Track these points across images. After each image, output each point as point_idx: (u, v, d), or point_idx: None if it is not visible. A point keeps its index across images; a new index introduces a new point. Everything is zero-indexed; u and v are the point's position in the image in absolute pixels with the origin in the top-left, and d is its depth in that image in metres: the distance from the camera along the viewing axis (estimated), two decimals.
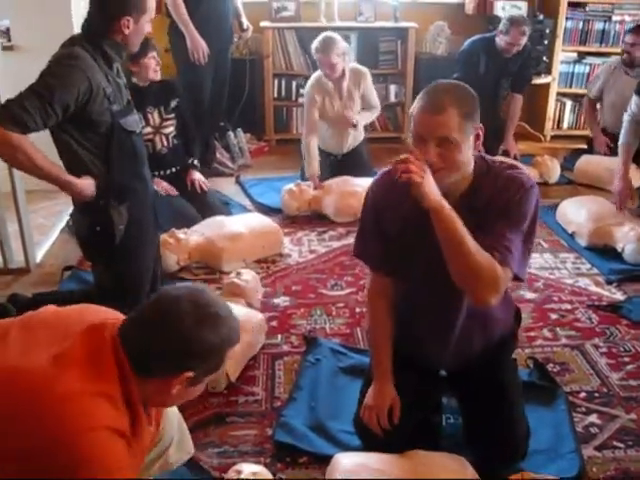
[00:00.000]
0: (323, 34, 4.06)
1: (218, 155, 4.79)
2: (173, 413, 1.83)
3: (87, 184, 2.42)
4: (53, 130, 2.34)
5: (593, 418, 2.31)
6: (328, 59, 3.97)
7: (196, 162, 3.88)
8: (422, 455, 1.92)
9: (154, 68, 3.60)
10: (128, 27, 2.39)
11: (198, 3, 4.28)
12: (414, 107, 1.78)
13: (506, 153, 4.68)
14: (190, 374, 1.42)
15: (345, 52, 4.07)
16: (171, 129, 3.78)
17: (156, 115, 3.72)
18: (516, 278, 1.86)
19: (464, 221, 1.73)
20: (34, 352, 1.39)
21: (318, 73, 4.15)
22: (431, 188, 1.68)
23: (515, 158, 4.63)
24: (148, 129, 3.68)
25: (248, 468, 1.89)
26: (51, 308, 1.57)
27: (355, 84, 4.17)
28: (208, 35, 4.31)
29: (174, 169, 3.84)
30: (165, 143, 3.77)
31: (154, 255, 2.74)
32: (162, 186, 3.71)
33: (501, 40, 4.44)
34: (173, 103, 3.77)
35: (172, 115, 3.77)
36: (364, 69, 4.25)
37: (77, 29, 3.96)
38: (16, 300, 2.83)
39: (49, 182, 2.36)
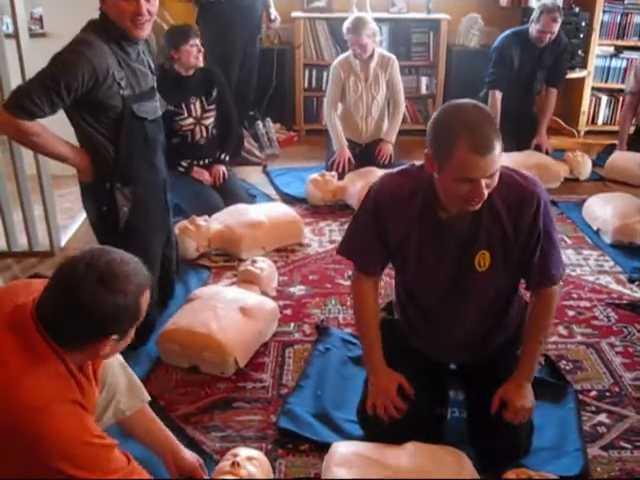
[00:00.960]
0: (354, 15, 4.14)
1: (246, 144, 4.81)
2: (115, 361, 1.87)
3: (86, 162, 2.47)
4: (67, 112, 2.38)
5: (602, 417, 2.27)
6: (359, 38, 4.02)
7: (225, 157, 3.90)
8: (420, 447, 1.92)
9: (195, 55, 3.62)
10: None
11: None
12: (454, 144, 1.65)
13: (538, 147, 4.62)
14: (114, 337, 1.47)
15: (375, 33, 4.10)
16: (211, 120, 3.82)
17: (198, 105, 3.75)
18: None
19: (485, 228, 1.82)
20: None
21: (347, 52, 4.21)
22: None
23: (547, 153, 4.57)
24: (190, 120, 3.74)
25: (244, 452, 1.91)
26: None
27: (382, 68, 4.20)
28: (236, 25, 4.34)
29: (207, 160, 3.87)
30: (204, 134, 3.81)
31: (162, 241, 2.76)
32: (204, 177, 3.77)
33: (533, 29, 4.38)
34: (214, 93, 3.81)
35: (213, 106, 3.81)
36: (392, 56, 4.26)
37: None
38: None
39: (60, 161, 2.46)
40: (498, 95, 4.52)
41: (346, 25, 4.09)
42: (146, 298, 1.52)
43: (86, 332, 1.44)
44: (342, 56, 4.26)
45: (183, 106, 3.70)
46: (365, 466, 1.86)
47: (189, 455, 1.90)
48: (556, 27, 4.35)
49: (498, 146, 1.66)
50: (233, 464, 1.85)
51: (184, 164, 3.75)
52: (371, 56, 4.13)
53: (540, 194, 1.84)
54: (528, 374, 2.01)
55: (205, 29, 4.37)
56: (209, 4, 4.34)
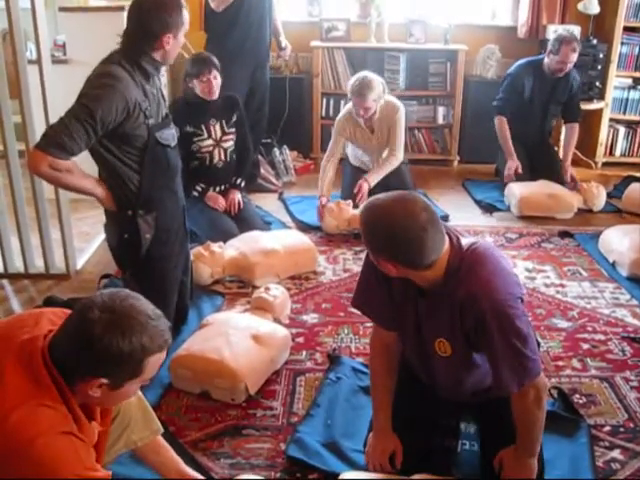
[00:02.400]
0: (361, 76, 3.97)
1: (262, 171, 4.85)
2: None
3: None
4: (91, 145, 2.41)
5: (616, 453, 2.24)
6: (364, 103, 3.94)
7: (241, 183, 3.91)
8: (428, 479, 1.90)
9: (214, 86, 3.66)
10: (169, 43, 2.47)
11: (235, 20, 4.35)
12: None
13: (573, 179, 4.61)
14: (104, 380, 1.44)
15: (381, 96, 3.99)
16: (230, 143, 3.86)
17: (218, 128, 3.80)
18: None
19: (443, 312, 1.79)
20: None
21: (349, 106, 4.13)
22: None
23: (574, 184, 4.54)
24: (209, 141, 3.78)
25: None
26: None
27: (386, 119, 4.10)
28: (244, 53, 4.39)
29: (224, 186, 3.90)
30: (222, 157, 3.84)
31: (182, 266, 2.79)
32: (219, 204, 3.80)
33: (552, 60, 4.40)
34: (234, 117, 3.86)
35: (233, 130, 3.85)
36: (398, 104, 4.13)
37: None
38: (51, 302, 2.95)
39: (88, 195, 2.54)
40: (503, 121, 4.56)
41: (351, 86, 3.98)
42: (155, 361, 1.49)
43: (80, 366, 1.43)
44: (345, 111, 4.16)
45: (203, 127, 3.75)
46: None
47: None
48: (575, 57, 4.38)
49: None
50: None
51: (199, 188, 3.78)
52: (374, 113, 4.05)
53: (481, 305, 1.70)
54: (528, 450, 1.90)
55: (213, 52, 4.42)
56: (218, 32, 4.39)
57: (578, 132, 4.74)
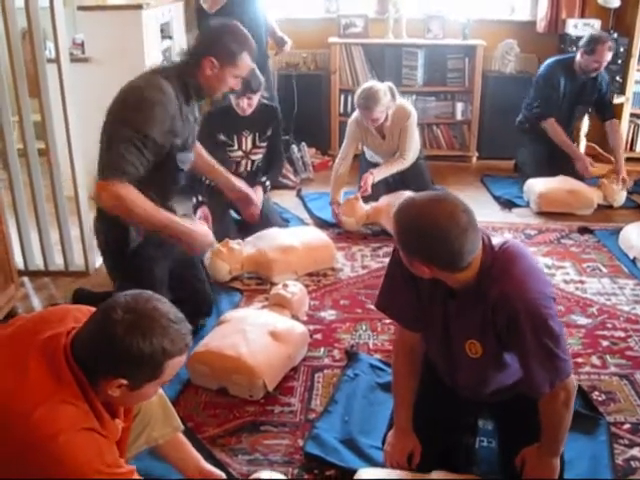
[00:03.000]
0: (367, 87, 3.91)
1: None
2: None
3: (205, 231, 2.55)
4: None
5: (635, 451, 2.22)
6: (370, 115, 3.91)
7: (267, 183, 3.85)
8: (445, 476, 1.90)
9: (247, 108, 3.66)
10: (212, 69, 2.47)
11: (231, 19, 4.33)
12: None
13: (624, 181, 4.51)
14: (123, 381, 1.45)
15: (389, 105, 3.94)
16: (259, 156, 3.87)
17: (249, 140, 3.79)
18: None
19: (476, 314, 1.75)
20: (1, 370, 1.45)
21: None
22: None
23: (624, 181, 4.48)
24: (239, 152, 3.80)
25: (267, 476, 1.90)
26: (18, 320, 1.63)
27: (397, 124, 4.06)
28: None
29: None
30: (249, 168, 3.86)
31: (169, 267, 2.74)
32: (204, 212, 3.57)
33: (586, 60, 4.33)
34: (269, 132, 3.84)
35: (265, 144, 3.84)
36: (409, 110, 4.07)
37: (147, 43, 4.16)
38: (80, 294, 3.02)
39: (164, 233, 2.44)
40: (554, 123, 4.50)
41: (357, 98, 3.93)
42: (175, 364, 1.50)
43: (101, 365, 1.44)
44: (357, 114, 4.11)
45: (235, 138, 3.76)
46: None
47: None
48: (610, 55, 4.35)
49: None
50: None
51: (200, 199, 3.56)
52: (385, 119, 4.01)
53: (514, 304, 1.68)
54: (552, 449, 1.87)
55: None
56: None
57: (594, 126, 4.69)
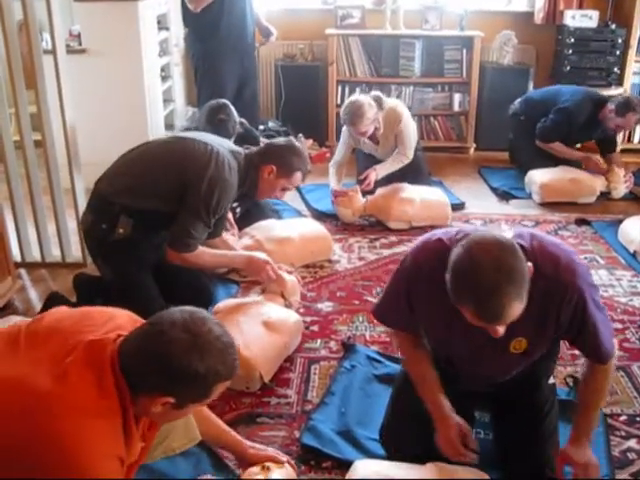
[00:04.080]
0: (350, 102, 3.91)
1: None
2: None
3: (262, 260, 2.83)
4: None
5: (632, 443, 2.23)
6: (358, 129, 3.92)
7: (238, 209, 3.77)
8: (441, 467, 1.90)
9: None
10: (269, 174, 2.78)
11: (219, 19, 4.28)
12: (459, 304, 1.61)
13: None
14: (170, 399, 1.43)
15: (375, 117, 3.92)
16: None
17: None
18: None
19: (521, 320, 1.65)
20: (39, 365, 1.41)
21: None
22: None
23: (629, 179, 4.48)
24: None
25: (278, 475, 1.89)
26: (57, 313, 1.60)
27: (390, 129, 4.06)
28: (230, 47, 4.36)
29: None
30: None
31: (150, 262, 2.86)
32: None
33: (613, 120, 4.29)
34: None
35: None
36: (400, 110, 4.07)
37: (144, 34, 4.15)
38: (81, 279, 3.06)
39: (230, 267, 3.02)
40: (555, 144, 4.53)
41: (342, 113, 3.94)
42: (221, 388, 1.50)
43: (152, 381, 1.42)
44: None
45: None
46: None
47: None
48: (635, 125, 4.45)
49: (514, 307, 1.54)
50: (263, 467, 1.87)
51: None
52: (375, 128, 4.01)
53: (580, 286, 1.72)
54: (587, 434, 1.89)
55: (195, 47, 4.43)
56: (202, 32, 4.35)
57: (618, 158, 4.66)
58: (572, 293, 1.72)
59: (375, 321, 2.87)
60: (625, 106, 4.23)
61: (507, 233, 1.75)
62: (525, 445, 1.97)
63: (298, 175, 2.85)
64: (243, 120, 3.85)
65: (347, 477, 1.93)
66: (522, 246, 1.68)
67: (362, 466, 1.93)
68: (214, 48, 4.30)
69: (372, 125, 3.94)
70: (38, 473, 1.31)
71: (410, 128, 4.13)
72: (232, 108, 3.64)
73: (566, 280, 1.72)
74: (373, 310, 2.09)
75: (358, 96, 4.01)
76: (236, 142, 3.57)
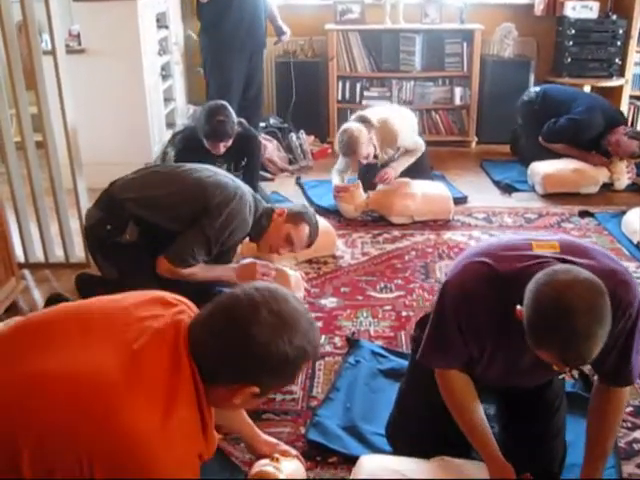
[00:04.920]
0: (342, 134, 3.88)
1: (268, 155, 4.81)
2: None
3: (250, 263, 2.84)
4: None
5: (638, 434, 2.23)
6: (357, 157, 3.92)
7: None
8: (448, 462, 1.90)
9: (223, 147, 3.60)
10: (279, 216, 2.85)
11: (228, 9, 4.30)
12: (544, 346, 1.52)
13: None
14: (256, 389, 1.32)
15: (370, 140, 3.87)
16: None
17: (224, 169, 3.72)
18: None
19: None
20: (99, 354, 1.26)
21: None
22: None
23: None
24: None
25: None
26: (105, 299, 1.45)
27: (387, 143, 3.99)
28: (240, 40, 4.35)
29: None
30: None
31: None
32: None
33: (622, 141, 4.33)
34: (243, 162, 3.80)
35: (239, 172, 3.76)
36: (392, 125, 3.94)
37: (143, 33, 4.16)
38: (84, 278, 3.07)
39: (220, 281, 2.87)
40: (563, 145, 4.53)
41: (339, 147, 3.91)
42: (300, 371, 1.39)
43: (239, 371, 1.30)
44: None
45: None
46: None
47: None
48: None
49: (599, 348, 1.47)
50: (273, 458, 1.88)
51: None
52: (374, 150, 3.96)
53: (633, 303, 1.65)
54: (603, 463, 1.83)
55: (206, 42, 4.40)
56: (211, 22, 4.35)
57: None
58: (624, 309, 1.64)
59: (379, 316, 2.94)
60: (638, 133, 4.34)
61: (550, 238, 1.72)
62: (535, 441, 1.96)
63: (305, 228, 2.85)
64: (242, 120, 3.85)
65: (353, 472, 1.94)
66: (580, 264, 1.62)
67: (367, 461, 1.94)
68: (221, 41, 4.29)
69: (370, 147, 3.89)
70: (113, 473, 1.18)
71: (407, 133, 4.05)
72: (230, 109, 3.63)
73: (621, 296, 1.63)
74: (422, 358, 1.88)
75: (346, 126, 3.93)
76: (235, 141, 3.61)
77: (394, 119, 4.01)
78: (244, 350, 1.27)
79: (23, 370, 1.25)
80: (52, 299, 2.88)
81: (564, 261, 1.61)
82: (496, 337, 1.69)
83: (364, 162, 4.01)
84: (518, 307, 1.55)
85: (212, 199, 2.66)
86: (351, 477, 1.94)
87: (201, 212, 2.65)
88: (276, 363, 1.29)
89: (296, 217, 2.84)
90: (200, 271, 2.70)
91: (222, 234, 2.66)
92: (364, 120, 3.92)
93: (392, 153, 4.07)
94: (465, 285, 1.70)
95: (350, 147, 3.84)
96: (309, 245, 2.95)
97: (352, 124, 3.91)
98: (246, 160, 3.80)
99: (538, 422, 1.98)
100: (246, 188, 2.81)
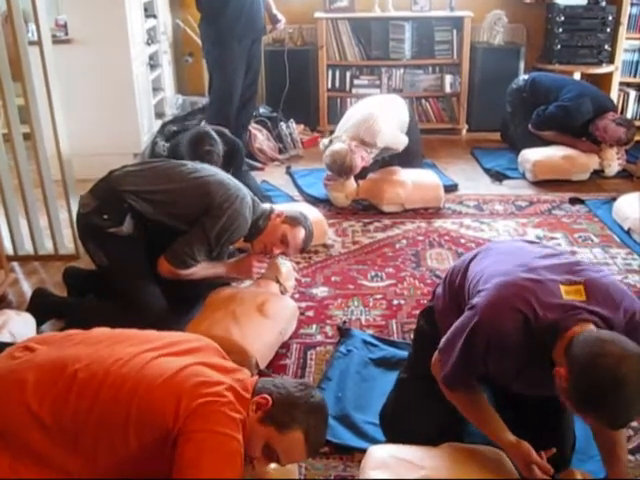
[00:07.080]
0: (333, 161, 3.82)
1: (259, 145, 4.79)
2: None
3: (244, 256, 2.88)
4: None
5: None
6: (352, 174, 3.88)
7: None
8: (458, 448, 1.90)
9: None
10: (277, 217, 2.81)
11: None
12: (592, 413, 1.60)
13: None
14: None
15: (360, 153, 3.82)
16: None
17: None
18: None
19: None
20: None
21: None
22: None
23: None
24: None
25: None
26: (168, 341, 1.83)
27: (369, 147, 3.92)
28: (240, 29, 4.30)
29: None
30: None
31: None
32: None
33: (611, 128, 4.34)
34: (230, 172, 3.73)
35: None
36: (374, 131, 3.84)
37: (131, 22, 4.11)
38: (72, 272, 3.04)
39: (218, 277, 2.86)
40: (541, 132, 4.56)
41: (334, 172, 3.88)
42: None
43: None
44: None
45: None
46: (401, 468, 1.84)
47: None
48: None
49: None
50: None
51: None
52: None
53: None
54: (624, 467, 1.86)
55: (207, 32, 4.34)
56: (211, 11, 4.30)
57: None
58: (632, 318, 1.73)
59: (370, 305, 2.94)
60: (626, 120, 4.37)
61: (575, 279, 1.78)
62: (549, 431, 1.95)
63: (301, 231, 2.81)
64: (224, 130, 3.82)
65: (363, 463, 1.92)
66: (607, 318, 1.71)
67: (377, 451, 1.92)
68: (224, 31, 4.24)
69: (360, 159, 3.83)
70: None
71: (388, 132, 3.95)
72: (215, 135, 3.62)
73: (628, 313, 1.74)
74: (445, 381, 1.90)
75: (335, 147, 3.85)
76: (222, 158, 3.64)
77: (376, 117, 3.90)
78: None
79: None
80: (37, 294, 2.87)
81: (591, 312, 1.68)
82: (519, 373, 1.77)
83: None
84: (557, 368, 1.62)
85: (215, 198, 2.64)
86: (360, 468, 1.93)
87: (203, 211, 2.64)
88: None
89: (294, 220, 2.82)
90: (199, 270, 2.69)
91: (223, 235, 2.65)
92: (351, 136, 3.87)
93: (377, 152, 4.03)
94: (502, 330, 1.72)
95: (343, 171, 3.83)
96: (302, 250, 2.92)
97: (340, 145, 3.84)
98: (232, 171, 3.70)
99: (552, 414, 1.97)
100: (246, 190, 2.80)
